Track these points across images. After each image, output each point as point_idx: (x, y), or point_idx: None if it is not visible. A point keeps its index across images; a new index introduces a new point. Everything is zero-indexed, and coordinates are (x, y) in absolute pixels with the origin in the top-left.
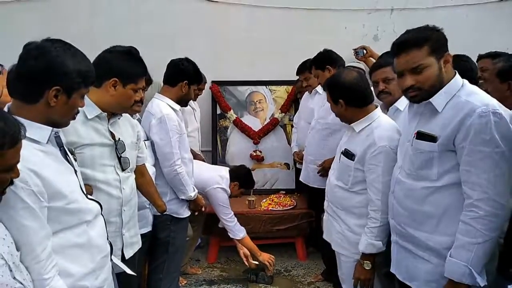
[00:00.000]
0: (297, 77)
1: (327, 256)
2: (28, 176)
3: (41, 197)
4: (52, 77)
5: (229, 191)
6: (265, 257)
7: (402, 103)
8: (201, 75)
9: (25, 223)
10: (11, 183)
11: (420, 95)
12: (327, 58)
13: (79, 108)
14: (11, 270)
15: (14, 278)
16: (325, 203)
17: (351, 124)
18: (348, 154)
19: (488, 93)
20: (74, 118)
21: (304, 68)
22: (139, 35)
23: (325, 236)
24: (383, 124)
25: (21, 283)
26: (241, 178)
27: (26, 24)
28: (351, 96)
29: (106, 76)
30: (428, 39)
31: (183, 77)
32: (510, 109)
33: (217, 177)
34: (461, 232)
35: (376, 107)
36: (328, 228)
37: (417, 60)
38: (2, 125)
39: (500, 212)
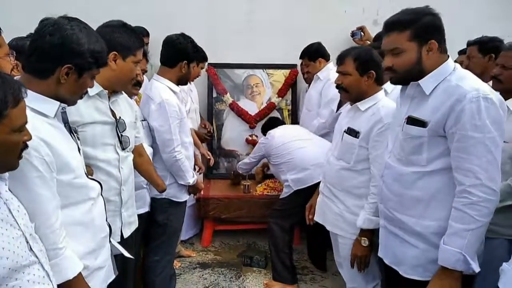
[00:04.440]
0: (293, 62)
1: (313, 238)
2: (39, 146)
3: (52, 167)
4: (66, 55)
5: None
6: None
7: (389, 85)
8: (201, 52)
9: (40, 191)
10: (26, 146)
11: (395, 77)
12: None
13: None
14: (27, 242)
15: (31, 249)
16: (321, 185)
17: (357, 103)
18: (353, 132)
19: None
20: (81, 98)
21: (303, 55)
22: (135, 15)
23: (316, 218)
24: (388, 103)
25: (36, 256)
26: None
27: (20, 4)
28: (379, 72)
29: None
30: (412, 23)
31: (182, 56)
32: None
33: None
34: (454, 219)
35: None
36: (322, 210)
37: (396, 43)
38: (0, 83)
39: (493, 198)
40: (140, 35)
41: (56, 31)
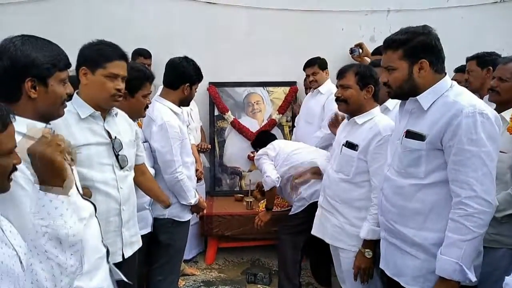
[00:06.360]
0: (293, 80)
1: (314, 256)
2: (25, 168)
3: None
4: (20, 71)
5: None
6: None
7: (391, 102)
8: (201, 73)
9: (28, 210)
10: (15, 169)
11: (391, 92)
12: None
13: (76, 110)
14: (21, 262)
15: (25, 270)
16: (320, 198)
17: (354, 117)
18: (351, 145)
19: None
20: (64, 106)
21: (314, 63)
22: (136, 37)
23: (314, 231)
24: (384, 118)
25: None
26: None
27: (21, 28)
28: (376, 88)
29: (78, 68)
30: (404, 44)
31: (185, 79)
32: None
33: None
34: (450, 230)
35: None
36: (321, 223)
37: (389, 61)
38: None
39: (488, 209)
40: (118, 48)
41: (2, 54)
